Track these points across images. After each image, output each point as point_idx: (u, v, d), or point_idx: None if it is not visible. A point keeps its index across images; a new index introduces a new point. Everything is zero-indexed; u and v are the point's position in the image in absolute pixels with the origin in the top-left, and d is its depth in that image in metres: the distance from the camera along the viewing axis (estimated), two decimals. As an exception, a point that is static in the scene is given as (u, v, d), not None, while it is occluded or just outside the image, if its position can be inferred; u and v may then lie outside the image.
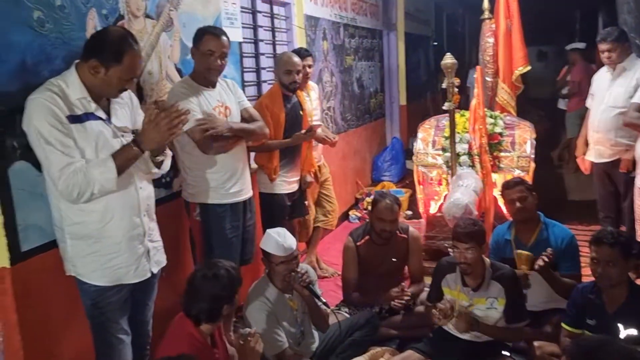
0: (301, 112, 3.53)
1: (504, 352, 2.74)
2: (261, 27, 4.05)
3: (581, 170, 4.15)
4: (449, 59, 3.62)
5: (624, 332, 2.35)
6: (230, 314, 2.14)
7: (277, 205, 3.48)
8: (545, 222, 3.12)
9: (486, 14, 4.50)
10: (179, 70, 2.97)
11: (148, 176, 2.18)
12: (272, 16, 4.22)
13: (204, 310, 2.04)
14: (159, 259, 2.25)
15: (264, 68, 4.09)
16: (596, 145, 3.83)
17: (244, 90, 3.56)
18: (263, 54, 4.08)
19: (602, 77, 3.82)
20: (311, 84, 4.09)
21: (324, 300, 2.73)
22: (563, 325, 2.61)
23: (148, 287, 2.23)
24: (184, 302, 2.09)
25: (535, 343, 2.76)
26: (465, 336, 2.73)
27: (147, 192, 2.17)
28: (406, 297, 3.10)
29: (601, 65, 3.85)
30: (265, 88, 4.02)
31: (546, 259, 2.80)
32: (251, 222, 3.01)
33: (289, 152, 3.46)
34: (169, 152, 2.22)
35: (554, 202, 4.84)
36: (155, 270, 2.22)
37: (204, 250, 2.80)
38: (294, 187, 3.56)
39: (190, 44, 2.92)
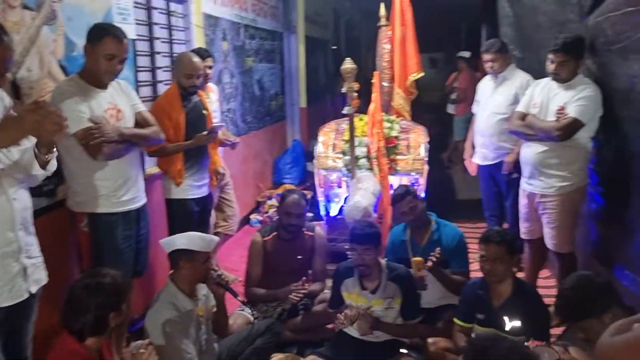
0: (204, 112, 3.42)
1: (402, 350, 2.83)
2: (157, 24, 3.87)
3: (468, 171, 4.42)
4: (348, 64, 3.69)
5: (509, 324, 2.53)
6: (121, 326, 1.98)
7: (185, 211, 3.34)
8: (438, 222, 3.28)
9: (383, 21, 4.65)
10: (63, 68, 2.73)
11: (24, 184, 1.97)
12: (169, 13, 4.05)
13: (88, 322, 1.85)
14: (39, 277, 2.04)
15: (160, 67, 3.91)
16: (481, 149, 4.09)
17: (137, 90, 3.38)
18: (159, 53, 3.89)
19: (486, 85, 4.09)
20: (211, 85, 3.98)
21: (242, 299, 2.73)
22: (455, 320, 2.76)
23: (26, 308, 2.01)
24: (64, 317, 1.89)
25: (429, 340, 2.89)
26: (365, 337, 2.79)
27: (22, 203, 1.96)
28: (303, 291, 3.12)
29: (485, 73, 4.13)
30: (162, 88, 3.85)
31: (434, 259, 2.95)
32: (144, 231, 2.85)
33: (195, 155, 3.32)
34: (55, 151, 2.01)
35: (444, 202, 5.12)
36: (34, 289, 2.01)
37: (93, 263, 2.60)
38: (204, 191, 3.43)
39: (76, 39, 2.71)
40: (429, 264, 2.95)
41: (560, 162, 3.13)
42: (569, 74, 3.09)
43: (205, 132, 3.25)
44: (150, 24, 3.77)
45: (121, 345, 2.51)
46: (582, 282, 2.08)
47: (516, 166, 3.77)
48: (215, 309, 2.68)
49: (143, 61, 3.70)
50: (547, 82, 3.24)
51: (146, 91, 3.73)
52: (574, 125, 3.00)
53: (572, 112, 3.01)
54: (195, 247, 2.49)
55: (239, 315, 3.19)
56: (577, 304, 1.98)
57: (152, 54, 3.80)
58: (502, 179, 3.99)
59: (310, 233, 3.43)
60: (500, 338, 1.37)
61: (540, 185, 3.23)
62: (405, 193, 3.23)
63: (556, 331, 2.87)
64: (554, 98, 3.15)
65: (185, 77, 3.24)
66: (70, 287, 1.95)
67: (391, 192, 3.90)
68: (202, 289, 2.66)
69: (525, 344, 2.13)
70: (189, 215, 3.34)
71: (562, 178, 3.14)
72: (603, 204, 3.20)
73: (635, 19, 2.62)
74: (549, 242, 3.26)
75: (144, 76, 3.72)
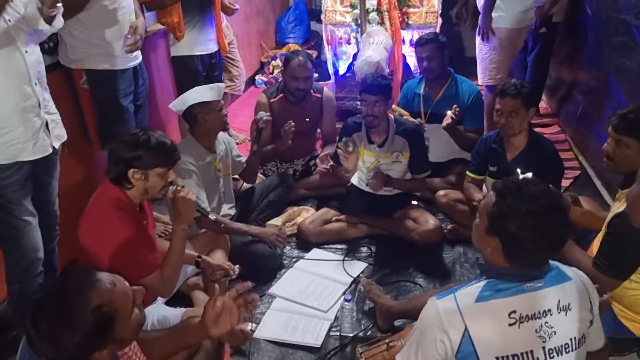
0: None
1: (413, 202, 2.91)
2: None
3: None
4: None
5: (522, 176, 2.56)
6: (150, 190, 1.94)
7: (188, 69, 3.24)
8: (455, 78, 3.19)
9: None
10: None
11: (33, 38, 1.89)
12: None
13: (112, 169, 1.84)
14: (59, 133, 2.06)
15: None
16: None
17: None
18: None
19: None
20: None
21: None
22: (467, 172, 2.80)
23: (49, 164, 2.05)
24: (107, 166, 1.88)
25: (440, 192, 2.96)
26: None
27: (35, 56, 1.91)
28: (329, 165, 3.13)
29: None
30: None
31: (453, 117, 2.92)
32: (143, 89, 2.80)
33: (196, 7, 3.14)
34: (60, 6, 1.92)
35: (454, 58, 4.94)
36: (57, 144, 2.03)
37: (95, 120, 2.58)
38: (210, 47, 3.29)
39: None
40: (448, 120, 2.92)
41: None
42: None
43: None
44: None
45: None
46: None
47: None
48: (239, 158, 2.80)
49: None
50: None
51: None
52: None
53: None
54: (207, 97, 2.47)
55: None
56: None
57: None
58: (529, 34, 3.82)
59: (318, 95, 3.29)
60: (532, 181, 1.38)
61: None
62: (433, 38, 3.13)
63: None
64: None
65: None
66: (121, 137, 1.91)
67: (403, 46, 3.77)
68: (221, 145, 2.68)
69: None
70: (194, 73, 3.24)
71: None
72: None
73: None
74: None
75: None
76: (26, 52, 1.85)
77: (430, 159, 3.04)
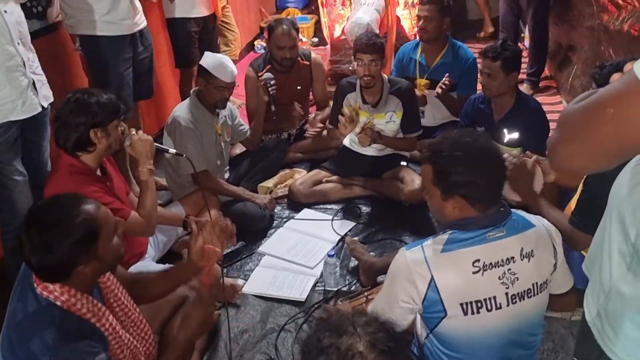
0: None
1: (402, 163, 2.94)
2: None
3: None
4: None
5: (508, 136, 2.60)
6: (112, 144, 1.93)
7: (182, 31, 3.26)
8: (452, 44, 3.16)
9: None
10: None
11: None
12: None
13: (70, 139, 1.84)
14: (47, 94, 2.10)
15: None
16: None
17: None
18: None
19: None
20: None
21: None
22: (455, 134, 2.82)
23: (38, 125, 2.09)
24: (54, 133, 1.91)
25: (428, 153, 2.98)
26: (368, 151, 2.89)
27: (15, 16, 1.93)
28: (319, 127, 3.15)
29: None
30: None
31: (444, 86, 2.93)
32: (145, 55, 2.77)
33: None
34: None
35: (455, 22, 4.90)
36: (45, 104, 2.07)
37: (94, 86, 2.60)
38: (202, 11, 3.30)
39: None
40: (439, 90, 2.93)
41: None
42: None
43: None
44: None
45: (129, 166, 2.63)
46: None
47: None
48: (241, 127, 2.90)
49: None
50: None
51: None
52: None
53: None
54: (215, 71, 2.50)
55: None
56: None
57: None
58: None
59: (306, 62, 3.23)
60: (456, 132, 1.45)
61: None
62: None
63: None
64: None
65: None
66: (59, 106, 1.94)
67: (398, 8, 3.73)
68: (223, 111, 2.73)
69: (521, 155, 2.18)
70: (187, 36, 3.26)
71: None
72: None
73: None
74: None
75: None
76: (5, 11, 1.88)
77: (423, 124, 3.05)
